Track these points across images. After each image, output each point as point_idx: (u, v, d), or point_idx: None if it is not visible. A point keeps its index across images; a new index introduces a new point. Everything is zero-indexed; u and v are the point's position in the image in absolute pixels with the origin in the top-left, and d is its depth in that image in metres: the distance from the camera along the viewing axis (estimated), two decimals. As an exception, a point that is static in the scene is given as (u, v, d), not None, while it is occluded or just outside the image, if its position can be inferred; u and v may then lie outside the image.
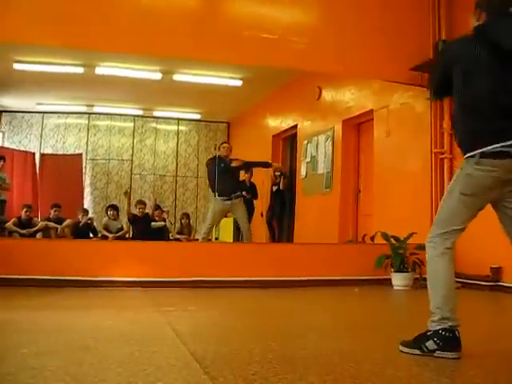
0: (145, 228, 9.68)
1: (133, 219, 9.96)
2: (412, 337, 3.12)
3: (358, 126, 9.66)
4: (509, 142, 2.93)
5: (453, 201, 3.11)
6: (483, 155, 2.98)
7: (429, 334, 3.02)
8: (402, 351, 3.09)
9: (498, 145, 2.94)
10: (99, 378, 2.42)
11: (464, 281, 6.61)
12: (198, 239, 11.16)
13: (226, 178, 8.63)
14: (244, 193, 9.29)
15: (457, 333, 2.96)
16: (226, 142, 9.24)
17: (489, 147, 2.96)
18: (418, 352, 3.01)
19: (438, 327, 2.99)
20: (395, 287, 6.48)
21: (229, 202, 8.44)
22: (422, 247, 6.44)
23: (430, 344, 2.98)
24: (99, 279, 5.86)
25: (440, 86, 3.32)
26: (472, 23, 3.19)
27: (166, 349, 3.06)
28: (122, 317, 4.23)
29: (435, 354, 2.96)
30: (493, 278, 6.29)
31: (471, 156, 3.03)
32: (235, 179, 9.04)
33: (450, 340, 2.95)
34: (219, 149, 8.83)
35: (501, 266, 6.26)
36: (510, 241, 3.19)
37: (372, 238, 7.08)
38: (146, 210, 10.27)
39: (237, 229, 10.75)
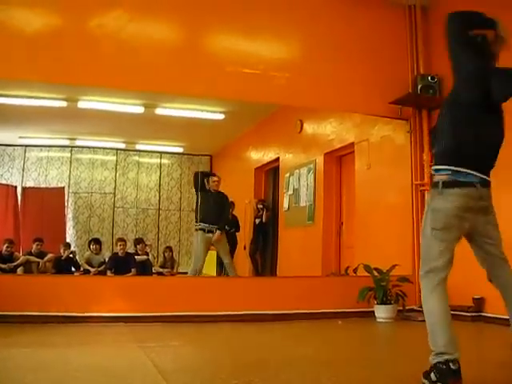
0: (127, 268, 9.48)
1: (114, 258, 9.79)
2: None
3: (340, 158, 9.71)
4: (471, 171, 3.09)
5: (427, 237, 3.20)
6: (445, 185, 3.09)
7: (431, 366, 3.07)
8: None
9: (462, 169, 3.08)
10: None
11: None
12: (181, 272, 11.17)
13: (210, 207, 8.78)
14: (226, 227, 9.36)
15: (451, 364, 2.99)
16: (215, 175, 9.23)
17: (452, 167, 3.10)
18: (426, 382, 3.06)
19: (435, 361, 3.03)
20: (378, 319, 6.48)
21: (210, 235, 8.55)
22: (404, 279, 6.55)
23: (433, 376, 3.03)
24: (81, 315, 5.77)
25: None
26: None
27: (148, 386, 3.05)
28: (104, 353, 4.19)
29: None
30: (475, 308, 6.32)
31: (435, 187, 3.15)
32: (219, 210, 9.10)
33: (445, 372, 2.98)
34: (208, 182, 8.97)
35: (483, 297, 6.29)
36: (487, 271, 3.32)
37: (355, 271, 7.08)
38: (127, 249, 10.10)
39: (219, 262, 10.73)
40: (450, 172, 3.11)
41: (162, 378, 3.23)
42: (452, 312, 3.17)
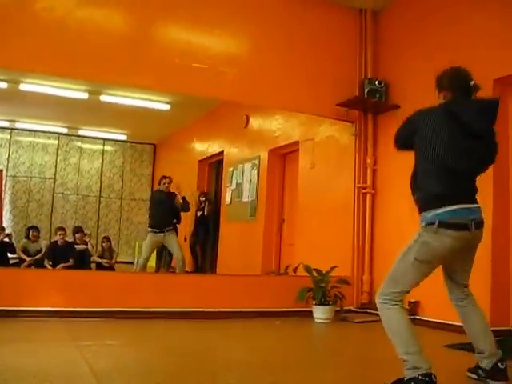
0: (65, 257, 9.37)
1: (53, 247, 9.66)
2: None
3: (284, 156, 9.76)
4: (463, 206, 3.21)
5: (406, 264, 3.24)
6: (441, 225, 3.16)
7: (406, 379, 3.08)
8: None
9: (454, 207, 3.17)
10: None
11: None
12: (120, 262, 11.10)
13: (161, 210, 8.92)
14: (174, 220, 9.39)
15: (433, 377, 3.04)
16: (166, 177, 9.45)
17: (446, 208, 3.17)
18: None
19: (415, 374, 3.04)
20: (316, 320, 6.52)
21: (161, 235, 8.74)
22: (343, 281, 6.62)
23: None
24: (13, 309, 5.57)
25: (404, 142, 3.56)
26: (438, 101, 3.52)
27: (82, 392, 2.98)
28: (37, 353, 4.06)
29: None
30: (410, 311, 6.42)
31: (430, 224, 3.20)
32: (169, 212, 9.23)
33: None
34: (159, 184, 9.36)
35: (418, 300, 6.42)
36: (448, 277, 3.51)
37: (295, 270, 7.12)
38: (67, 238, 9.99)
39: (159, 254, 10.70)
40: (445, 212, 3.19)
41: (96, 382, 3.17)
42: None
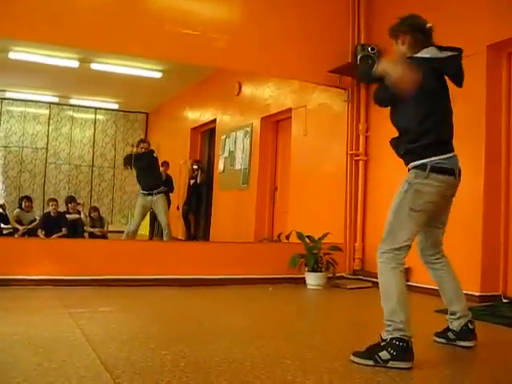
0: (58, 228, 9.39)
1: (46, 218, 9.63)
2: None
3: (277, 123, 9.73)
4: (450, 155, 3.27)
5: (402, 216, 3.23)
6: (432, 169, 3.18)
7: (382, 344, 3.09)
8: (354, 362, 3.11)
9: (445, 156, 3.23)
10: (2, 394, 2.34)
11: (375, 280, 6.79)
12: (113, 231, 11.07)
13: (144, 170, 8.83)
14: (162, 188, 9.33)
15: (410, 343, 3.05)
16: (144, 141, 9.44)
17: (438, 157, 3.20)
18: (371, 363, 3.05)
19: (391, 337, 3.06)
20: (309, 286, 6.57)
21: (150, 198, 8.64)
22: (335, 248, 6.65)
23: (384, 354, 3.04)
24: (6, 278, 5.57)
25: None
26: (397, 50, 3.48)
27: (75, 357, 2.99)
28: (30, 321, 4.08)
29: (389, 364, 3.01)
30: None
31: (421, 169, 3.20)
32: (156, 173, 9.16)
33: (403, 350, 3.03)
34: (137, 147, 9.28)
35: (409, 267, 6.43)
36: (422, 249, 3.56)
37: (287, 237, 7.15)
38: (59, 208, 9.96)
39: (152, 222, 10.72)
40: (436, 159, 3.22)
41: (91, 348, 3.19)
42: (380, 281, 3.28)
